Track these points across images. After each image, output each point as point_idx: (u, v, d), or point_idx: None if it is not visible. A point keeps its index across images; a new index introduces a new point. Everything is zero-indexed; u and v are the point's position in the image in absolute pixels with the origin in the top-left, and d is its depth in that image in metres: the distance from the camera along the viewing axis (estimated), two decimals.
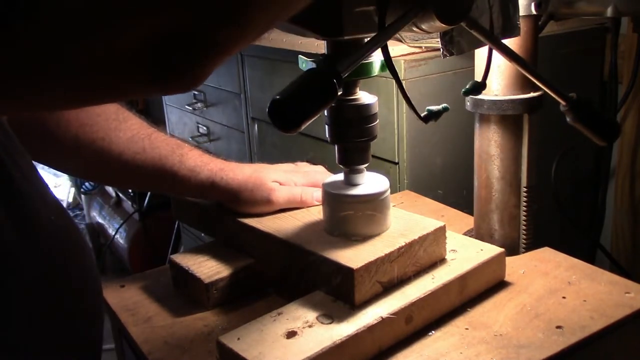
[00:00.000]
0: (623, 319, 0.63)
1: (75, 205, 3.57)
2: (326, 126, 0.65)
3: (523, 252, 0.78)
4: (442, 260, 0.68)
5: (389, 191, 0.68)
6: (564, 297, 0.67)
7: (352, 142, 0.65)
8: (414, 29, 0.54)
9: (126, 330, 0.69)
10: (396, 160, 1.18)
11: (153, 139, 0.75)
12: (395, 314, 0.60)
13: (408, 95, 0.57)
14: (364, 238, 0.66)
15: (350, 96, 0.64)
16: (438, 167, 1.21)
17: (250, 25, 0.34)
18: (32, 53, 0.30)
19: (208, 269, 0.72)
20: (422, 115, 0.59)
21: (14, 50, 0.30)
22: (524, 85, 0.73)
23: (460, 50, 0.61)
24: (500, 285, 0.70)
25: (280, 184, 0.75)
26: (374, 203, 0.66)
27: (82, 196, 3.26)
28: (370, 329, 0.58)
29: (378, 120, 0.65)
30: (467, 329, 0.63)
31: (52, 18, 0.29)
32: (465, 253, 0.69)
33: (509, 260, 0.73)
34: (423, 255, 0.66)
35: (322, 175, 0.78)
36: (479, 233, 0.80)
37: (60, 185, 3.49)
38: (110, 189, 2.97)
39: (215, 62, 0.35)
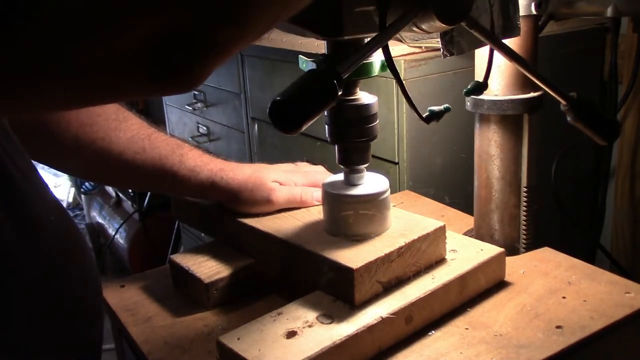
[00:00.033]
0: (623, 319, 0.63)
1: (75, 205, 3.57)
2: (326, 126, 0.65)
3: (523, 252, 0.78)
4: (442, 260, 0.68)
5: (389, 191, 0.68)
6: (564, 297, 0.67)
7: (352, 142, 0.65)
8: (414, 29, 0.54)
9: (126, 330, 0.69)
10: (396, 160, 1.18)
11: (153, 139, 0.75)
12: (395, 314, 0.60)
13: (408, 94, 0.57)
14: (364, 238, 0.66)
15: (350, 96, 0.64)
16: (438, 167, 1.21)
17: (250, 25, 0.34)
18: (32, 53, 0.30)
19: (208, 269, 0.72)
20: (423, 115, 0.59)
21: (14, 50, 0.30)
22: (524, 85, 0.73)
23: (460, 50, 0.61)
24: (500, 285, 0.70)
25: (280, 184, 0.75)
26: (374, 203, 0.66)
27: (82, 196, 3.26)
28: (370, 329, 0.58)
29: (378, 120, 0.65)
30: (467, 329, 0.63)
31: (52, 18, 0.29)
32: (465, 253, 0.69)
33: (509, 260, 0.73)
34: (423, 255, 0.66)
35: (322, 175, 0.78)
36: (479, 233, 0.80)
37: (60, 185, 3.49)
38: (110, 189, 2.97)
39: (215, 62, 0.35)
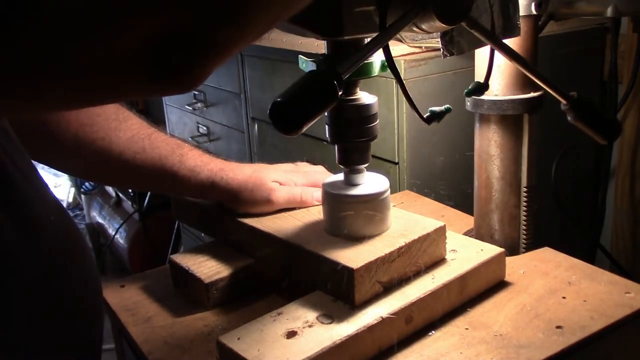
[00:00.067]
0: (623, 319, 0.63)
1: (75, 205, 3.57)
2: (326, 126, 0.65)
3: (523, 252, 0.78)
4: (442, 260, 0.68)
5: (389, 191, 0.68)
6: (564, 297, 0.67)
7: (352, 142, 0.65)
8: (414, 29, 0.54)
9: (126, 330, 0.69)
10: (396, 160, 1.18)
11: (153, 139, 0.75)
12: (395, 314, 0.60)
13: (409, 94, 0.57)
14: (364, 238, 0.66)
15: (351, 96, 0.64)
16: (438, 167, 1.21)
17: (250, 25, 0.34)
18: (32, 53, 0.30)
19: (208, 269, 0.72)
20: (424, 116, 0.59)
21: (14, 50, 0.30)
22: (524, 85, 0.73)
23: (460, 50, 0.61)
24: (500, 285, 0.70)
25: (280, 184, 0.75)
26: (374, 203, 0.66)
27: (82, 196, 3.26)
28: (370, 329, 0.58)
29: (378, 120, 0.65)
30: (467, 329, 0.63)
31: (52, 18, 0.29)
32: (465, 253, 0.69)
33: (509, 260, 0.73)
34: (423, 255, 0.66)
35: (322, 175, 0.78)
36: (479, 233, 0.80)
37: (60, 185, 3.49)
38: (110, 189, 2.97)
39: (215, 62, 0.35)
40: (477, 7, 0.59)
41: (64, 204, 3.23)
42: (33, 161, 0.61)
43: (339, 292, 0.62)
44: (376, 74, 0.63)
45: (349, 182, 0.68)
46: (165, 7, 0.31)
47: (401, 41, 1.12)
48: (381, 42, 0.51)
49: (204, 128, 1.99)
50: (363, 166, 0.67)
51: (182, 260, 0.74)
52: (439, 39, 0.60)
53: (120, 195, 2.84)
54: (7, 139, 0.56)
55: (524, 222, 0.78)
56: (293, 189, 0.75)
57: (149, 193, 2.59)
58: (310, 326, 0.58)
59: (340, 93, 0.46)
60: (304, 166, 0.82)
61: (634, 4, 0.76)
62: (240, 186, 0.74)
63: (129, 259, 2.68)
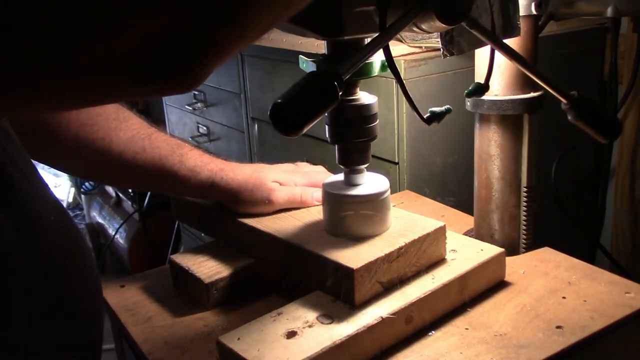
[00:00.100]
0: (623, 319, 0.63)
1: (75, 205, 3.57)
2: (326, 126, 0.65)
3: (523, 252, 0.78)
4: (442, 260, 0.68)
5: (389, 191, 0.68)
6: (564, 297, 0.67)
7: (352, 142, 0.65)
8: (414, 29, 0.54)
9: (126, 330, 0.69)
10: (396, 160, 1.18)
11: (153, 138, 0.75)
12: (395, 314, 0.60)
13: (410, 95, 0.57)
14: (364, 238, 0.66)
15: (351, 96, 0.64)
16: (438, 167, 1.21)
17: (250, 25, 0.34)
18: (32, 53, 0.30)
19: (208, 269, 0.72)
20: (424, 116, 0.59)
21: (14, 50, 0.30)
22: (524, 85, 0.73)
23: (460, 50, 0.61)
24: (500, 285, 0.70)
25: (280, 184, 0.75)
26: (374, 203, 0.66)
27: (82, 196, 3.26)
28: (370, 329, 0.58)
29: (378, 121, 0.65)
30: (467, 329, 0.63)
31: (52, 18, 0.29)
32: (465, 253, 0.69)
33: (509, 260, 0.73)
34: (423, 255, 0.66)
35: (322, 175, 0.78)
36: (479, 233, 0.80)
37: (60, 185, 3.49)
38: (110, 189, 2.97)
39: (215, 62, 0.35)
40: (477, 7, 0.59)
41: (64, 204, 3.23)
42: (33, 161, 0.61)
43: (339, 292, 0.62)
44: (376, 74, 0.63)
45: (349, 182, 0.68)
46: (165, 7, 0.31)
47: (401, 41, 1.12)
48: (381, 43, 0.51)
49: (204, 128, 1.99)
50: (363, 166, 0.67)
51: (182, 260, 0.74)
52: (439, 39, 0.60)
53: (120, 195, 2.84)
54: (7, 139, 0.56)
55: (524, 222, 0.78)
56: (293, 189, 0.75)
57: (149, 193, 2.60)
58: (310, 326, 0.58)
59: (340, 94, 0.46)
60: (304, 166, 0.82)
61: (634, 4, 0.76)
62: (240, 186, 0.74)
63: (129, 259, 2.68)
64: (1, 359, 0.50)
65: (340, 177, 0.69)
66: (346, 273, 0.60)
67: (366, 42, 0.60)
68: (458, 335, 0.62)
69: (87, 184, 3.13)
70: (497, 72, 0.73)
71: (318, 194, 0.75)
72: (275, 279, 0.72)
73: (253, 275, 0.73)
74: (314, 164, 0.84)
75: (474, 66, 0.75)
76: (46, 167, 0.79)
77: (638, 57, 1.24)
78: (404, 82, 1.12)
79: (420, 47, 1.14)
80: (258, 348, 0.56)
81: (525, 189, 0.77)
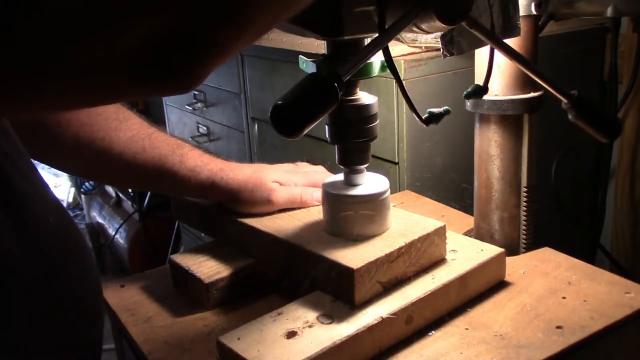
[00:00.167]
0: (623, 319, 0.63)
1: (75, 205, 3.57)
2: (326, 126, 0.65)
3: (523, 252, 0.78)
4: (442, 260, 0.68)
5: (389, 191, 0.68)
6: (564, 297, 0.67)
7: (352, 142, 0.65)
8: (414, 29, 0.54)
9: (126, 330, 0.69)
10: (396, 160, 1.18)
11: (153, 138, 0.75)
12: (395, 314, 0.60)
13: (409, 95, 0.57)
14: (364, 238, 0.66)
15: (351, 96, 0.64)
16: (438, 167, 1.21)
17: (250, 25, 0.34)
18: (32, 53, 0.30)
19: (208, 269, 0.72)
20: (423, 117, 0.59)
21: (14, 50, 0.30)
22: (524, 85, 0.73)
23: (460, 50, 0.61)
24: (500, 285, 0.70)
25: (280, 184, 0.75)
26: (374, 203, 0.66)
27: (82, 196, 3.26)
28: (370, 329, 0.58)
29: (378, 121, 0.65)
30: (467, 329, 0.63)
31: (52, 18, 0.29)
32: (465, 253, 0.69)
33: (509, 260, 0.73)
34: (423, 255, 0.66)
35: (322, 175, 0.78)
36: (479, 233, 0.80)
37: (60, 185, 3.49)
38: (110, 189, 2.97)
39: (215, 62, 0.35)
40: (477, 7, 0.59)
41: (64, 204, 3.22)
42: (33, 161, 0.61)
43: (339, 292, 0.62)
44: (376, 74, 0.63)
45: (349, 182, 0.68)
46: (165, 7, 0.31)
47: (401, 41, 1.12)
48: (382, 43, 0.51)
49: (204, 128, 1.99)
50: (363, 166, 0.67)
51: (182, 260, 0.74)
52: (439, 39, 0.60)
53: (120, 195, 2.84)
54: (7, 139, 0.56)
55: (524, 222, 0.78)
56: (293, 189, 0.75)
57: (149, 193, 2.60)
58: (310, 326, 0.58)
59: (340, 95, 0.47)
60: (304, 166, 0.82)
61: (634, 4, 0.76)
62: (240, 186, 0.74)
63: (129, 259, 2.68)
64: (1, 359, 0.50)
65: (340, 177, 0.69)
66: (346, 273, 0.60)
67: (366, 42, 0.61)
68: (458, 335, 0.62)
69: (87, 184, 3.13)
70: (497, 72, 0.73)
71: (318, 194, 0.75)
72: (275, 279, 0.72)
73: (253, 275, 0.73)
74: (314, 164, 0.84)
75: (474, 66, 0.75)
76: (46, 167, 0.80)
77: (638, 57, 1.24)
78: (404, 82, 1.13)
79: (420, 47, 1.14)
80: (258, 348, 0.56)
81: (525, 189, 0.77)
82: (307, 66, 0.64)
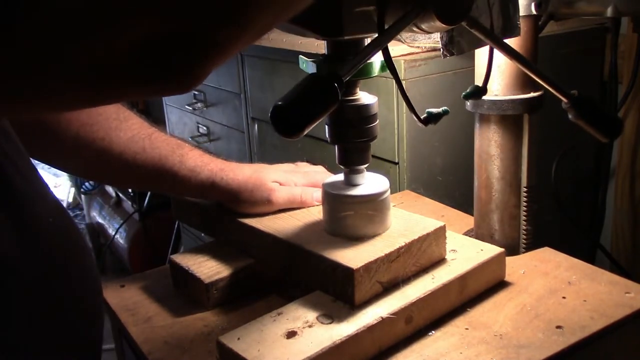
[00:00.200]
0: (623, 319, 0.63)
1: (75, 205, 3.57)
2: (326, 126, 0.65)
3: (523, 252, 0.78)
4: (442, 260, 0.68)
5: (389, 191, 0.68)
6: (564, 297, 0.67)
7: (352, 142, 0.65)
8: (414, 29, 0.54)
9: (126, 330, 0.69)
10: (396, 160, 1.18)
11: (153, 138, 0.75)
12: (395, 314, 0.60)
13: (408, 95, 0.57)
14: (364, 238, 0.66)
15: (351, 96, 0.64)
16: (438, 167, 1.21)
17: (250, 25, 0.34)
18: (32, 53, 0.30)
19: (208, 269, 0.72)
20: (421, 117, 0.59)
21: (14, 50, 0.30)
22: (524, 85, 0.73)
23: (460, 50, 0.61)
24: (500, 285, 0.70)
25: (280, 184, 0.75)
26: (374, 203, 0.66)
27: (82, 196, 3.26)
28: (370, 329, 0.58)
29: (378, 121, 0.65)
30: (467, 329, 0.63)
31: (52, 18, 0.29)
32: (465, 253, 0.69)
33: (509, 260, 0.73)
34: (423, 255, 0.66)
35: (322, 175, 0.78)
36: (479, 233, 0.80)
37: (60, 185, 3.49)
38: (110, 189, 2.97)
39: (215, 62, 0.35)
40: (477, 7, 0.59)
41: (64, 204, 3.22)
42: (33, 161, 0.61)
43: (339, 292, 0.62)
44: (376, 74, 0.63)
45: (349, 182, 0.68)
46: (165, 7, 0.31)
47: (401, 41, 1.12)
48: (382, 44, 0.51)
49: (204, 128, 1.99)
50: (363, 166, 0.67)
51: (182, 260, 0.74)
52: (439, 39, 0.60)
53: (120, 195, 2.84)
54: (7, 139, 0.56)
55: (524, 222, 0.78)
56: (293, 189, 0.75)
57: (149, 193, 2.60)
58: (310, 326, 0.58)
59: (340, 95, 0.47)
60: (304, 166, 0.82)
61: (634, 4, 0.76)
62: (240, 186, 0.74)
63: (129, 259, 2.68)
64: (1, 359, 0.50)
65: (340, 177, 0.69)
66: (346, 273, 0.60)
67: (366, 42, 0.61)
68: (458, 335, 0.62)
69: (87, 184, 3.13)
70: (497, 72, 0.73)
71: (318, 194, 0.75)
72: (275, 279, 0.72)
73: (253, 275, 0.73)
74: (314, 164, 0.84)
75: (474, 66, 0.75)
76: (46, 167, 0.80)
77: (638, 57, 1.24)
78: (404, 82, 1.13)
79: (420, 47, 1.14)
80: (258, 348, 0.56)
81: (525, 189, 0.77)
82: (307, 66, 0.64)
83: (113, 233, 2.77)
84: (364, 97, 0.64)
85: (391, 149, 1.18)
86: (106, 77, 0.33)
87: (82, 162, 0.75)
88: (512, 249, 0.78)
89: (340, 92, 0.46)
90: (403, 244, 0.64)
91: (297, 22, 0.57)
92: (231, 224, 0.75)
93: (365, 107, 0.64)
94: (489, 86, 0.73)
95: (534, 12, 0.71)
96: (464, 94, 0.64)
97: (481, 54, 0.73)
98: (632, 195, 1.36)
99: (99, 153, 0.72)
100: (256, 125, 1.69)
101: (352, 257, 0.62)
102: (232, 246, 0.76)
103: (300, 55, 0.66)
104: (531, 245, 0.78)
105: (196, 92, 1.95)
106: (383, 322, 0.59)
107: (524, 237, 0.78)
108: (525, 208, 0.77)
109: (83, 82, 0.33)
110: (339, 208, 0.67)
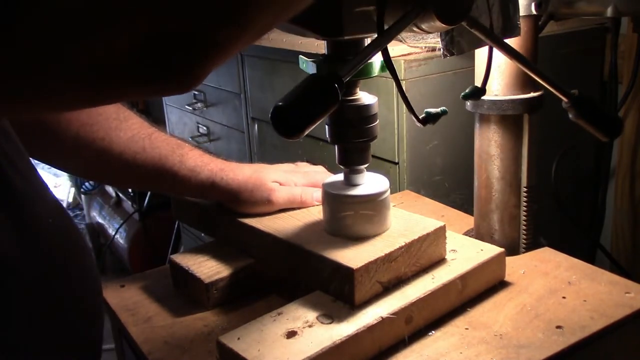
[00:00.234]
0: (623, 319, 0.63)
1: (75, 205, 3.57)
2: (326, 126, 0.65)
3: (523, 252, 0.78)
4: (442, 260, 0.68)
5: (389, 191, 0.68)
6: (564, 297, 0.67)
7: (352, 142, 0.65)
8: (414, 29, 0.54)
9: (126, 330, 0.69)
10: (396, 160, 1.18)
11: (153, 138, 0.75)
12: (395, 314, 0.60)
13: (407, 96, 0.57)
14: (364, 238, 0.66)
15: (351, 96, 0.64)
16: (438, 167, 1.21)
17: (250, 25, 0.34)
18: (32, 53, 0.30)
19: (208, 269, 0.72)
20: (420, 117, 0.59)
21: (14, 50, 0.30)
22: (524, 85, 0.73)
23: (460, 50, 0.61)
24: (500, 285, 0.70)
25: (280, 184, 0.75)
26: (374, 203, 0.66)
27: (82, 196, 3.26)
28: (370, 329, 0.58)
29: (378, 121, 0.65)
30: (467, 329, 0.63)
31: (52, 18, 0.29)
32: (465, 253, 0.69)
33: (509, 260, 0.73)
34: (423, 255, 0.66)
35: (322, 175, 0.78)
36: (479, 233, 0.80)
37: (60, 185, 3.49)
38: (110, 189, 2.97)
39: (215, 62, 0.35)
40: (477, 7, 0.59)
41: (64, 204, 3.23)
42: (33, 161, 0.61)
43: (339, 292, 0.62)
44: (376, 74, 0.63)
45: (349, 182, 0.68)
46: (165, 7, 0.31)
47: (401, 41, 1.12)
48: (382, 44, 0.51)
49: (204, 128, 1.99)
50: (363, 166, 0.67)
51: (182, 260, 0.74)
52: (439, 39, 0.60)
53: (120, 195, 2.84)
54: (6, 139, 0.56)
55: (524, 222, 0.78)
56: (293, 189, 0.75)
57: (149, 193, 2.60)
58: (310, 326, 0.58)
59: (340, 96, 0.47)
60: (304, 166, 0.82)
61: (634, 4, 0.76)
62: (240, 186, 0.74)
63: (129, 259, 2.68)
64: (1, 359, 0.50)
65: (340, 177, 0.69)
66: (346, 273, 0.60)
67: (366, 42, 0.61)
68: (458, 335, 0.62)
69: (87, 184, 3.13)
70: (497, 72, 0.73)
71: (318, 194, 0.75)
72: (275, 279, 0.72)
73: (253, 275, 0.73)
74: (314, 164, 0.84)
75: (474, 66, 0.75)
76: (46, 167, 0.80)
77: (638, 57, 1.24)
78: (404, 82, 1.13)
79: (420, 47, 1.14)
80: (258, 348, 0.56)
81: (525, 189, 0.77)
82: (307, 66, 0.64)
83: (113, 233, 2.77)
84: (364, 97, 0.64)
85: (391, 149, 1.18)
86: (106, 77, 0.33)
87: (82, 162, 0.75)
88: (512, 249, 0.78)
89: (341, 92, 0.46)
90: (403, 244, 0.64)
91: (297, 22, 0.57)
92: (231, 224, 0.75)
93: (366, 107, 0.64)
94: (489, 86, 0.73)
95: (534, 12, 0.71)
96: (462, 94, 0.64)
97: (481, 54, 0.73)
98: (632, 195, 1.36)
99: (99, 153, 0.73)
100: (256, 125, 1.69)
101: (352, 257, 0.62)
102: (232, 246, 0.76)
103: (300, 55, 0.66)
104: (531, 245, 0.78)
105: (196, 92, 1.95)
106: (383, 322, 0.59)
107: (524, 237, 0.78)
108: (525, 208, 0.77)
109: (83, 82, 0.33)
110: (339, 208, 0.67)
